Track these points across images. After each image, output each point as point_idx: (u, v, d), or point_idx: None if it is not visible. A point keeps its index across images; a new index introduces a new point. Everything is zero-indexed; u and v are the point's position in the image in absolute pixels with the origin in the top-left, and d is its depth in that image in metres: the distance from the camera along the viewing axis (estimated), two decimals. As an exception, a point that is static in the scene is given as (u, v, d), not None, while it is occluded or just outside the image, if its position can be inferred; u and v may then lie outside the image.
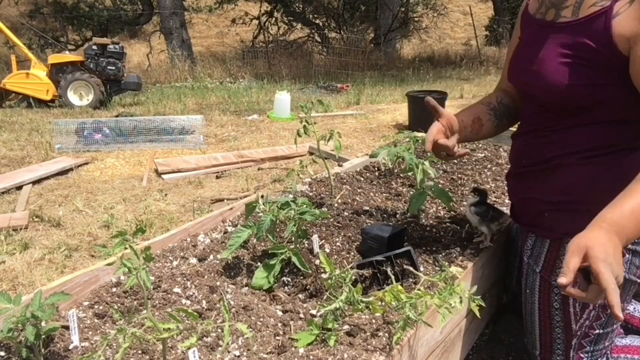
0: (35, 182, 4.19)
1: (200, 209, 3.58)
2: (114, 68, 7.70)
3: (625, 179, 1.25)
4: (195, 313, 1.03)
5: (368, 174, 2.39)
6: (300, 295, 1.43)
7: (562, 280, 0.94)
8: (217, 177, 4.43)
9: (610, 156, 1.28)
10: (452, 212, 1.96)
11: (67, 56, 7.94)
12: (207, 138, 5.71)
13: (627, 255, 1.31)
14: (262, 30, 14.56)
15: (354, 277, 1.30)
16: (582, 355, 1.44)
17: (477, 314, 1.20)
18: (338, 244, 1.68)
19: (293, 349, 1.16)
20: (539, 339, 1.50)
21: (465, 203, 1.74)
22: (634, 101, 1.22)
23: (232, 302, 1.35)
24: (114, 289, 1.42)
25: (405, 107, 6.58)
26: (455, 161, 2.57)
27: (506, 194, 2.14)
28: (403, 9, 15.14)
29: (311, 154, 4.94)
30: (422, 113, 6.00)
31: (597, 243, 0.96)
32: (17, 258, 2.84)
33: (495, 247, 1.72)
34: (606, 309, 1.37)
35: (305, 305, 1.38)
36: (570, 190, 1.33)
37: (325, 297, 1.37)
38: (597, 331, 1.40)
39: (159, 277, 1.45)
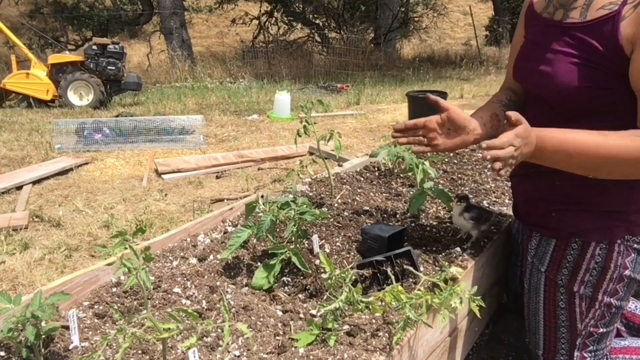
0: (35, 182, 4.19)
1: (200, 209, 3.58)
2: (114, 68, 7.70)
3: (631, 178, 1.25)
4: (195, 313, 1.03)
5: (368, 174, 2.39)
6: (300, 295, 1.43)
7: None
8: (217, 177, 4.43)
9: None
10: (452, 212, 1.95)
11: (67, 56, 7.95)
12: (207, 138, 5.71)
13: (633, 255, 1.32)
14: (262, 30, 14.57)
15: (354, 277, 1.30)
16: (585, 354, 1.44)
17: (477, 314, 1.20)
18: (338, 244, 1.68)
19: (293, 349, 1.16)
20: (542, 338, 1.49)
21: (453, 212, 1.72)
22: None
23: (232, 302, 1.35)
24: (114, 289, 1.42)
25: (405, 107, 6.58)
26: (455, 161, 2.58)
27: (506, 194, 2.14)
28: (403, 9, 15.15)
29: (311, 154, 4.94)
30: (422, 113, 5.90)
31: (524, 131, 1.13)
32: (17, 258, 2.84)
33: (496, 246, 1.72)
34: (610, 308, 1.37)
35: (305, 305, 1.38)
36: (577, 191, 1.33)
37: (325, 297, 1.37)
38: (601, 330, 1.40)
39: (159, 277, 1.45)
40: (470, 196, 2.08)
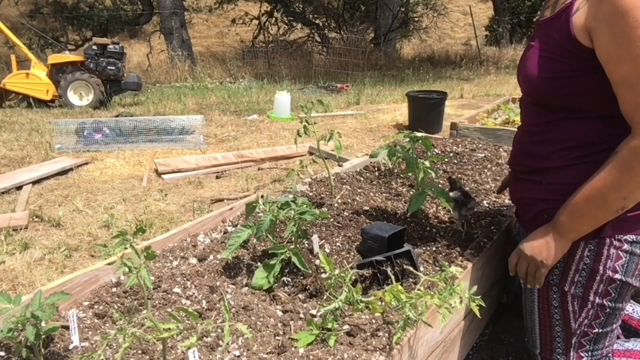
0: (35, 182, 4.19)
1: (200, 209, 3.58)
2: (114, 68, 7.70)
3: None
4: (195, 313, 1.03)
5: (368, 174, 2.39)
6: (300, 295, 1.43)
7: None
8: (217, 177, 4.43)
9: (600, 155, 1.28)
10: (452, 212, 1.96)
11: (67, 56, 7.94)
12: (207, 138, 5.71)
13: (624, 258, 1.31)
14: (262, 30, 14.57)
15: (354, 277, 1.30)
16: (582, 354, 1.44)
17: (477, 314, 1.20)
18: (338, 244, 1.68)
19: (293, 349, 1.17)
20: (539, 337, 1.50)
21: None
22: (606, 95, 1.22)
23: (232, 302, 1.35)
24: (114, 289, 1.42)
25: (405, 107, 6.57)
26: (455, 161, 2.58)
27: (506, 194, 2.15)
28: (403, 9, 15.14)
29: (311, 154, 4.94)
30: (422, 113, 5.99)
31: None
32: (17, 258, 2.84)
33: (495, 246, 1.72)
34: (604, 309, 1.37)
35: (305, 305, 1.38)
36: (566, 191, 1.34)
37: (325, 297, 1.38)
38: (597, 330, 1.40)
39: (159, 277, 1.45)
40: (466, 188, 2.09)
